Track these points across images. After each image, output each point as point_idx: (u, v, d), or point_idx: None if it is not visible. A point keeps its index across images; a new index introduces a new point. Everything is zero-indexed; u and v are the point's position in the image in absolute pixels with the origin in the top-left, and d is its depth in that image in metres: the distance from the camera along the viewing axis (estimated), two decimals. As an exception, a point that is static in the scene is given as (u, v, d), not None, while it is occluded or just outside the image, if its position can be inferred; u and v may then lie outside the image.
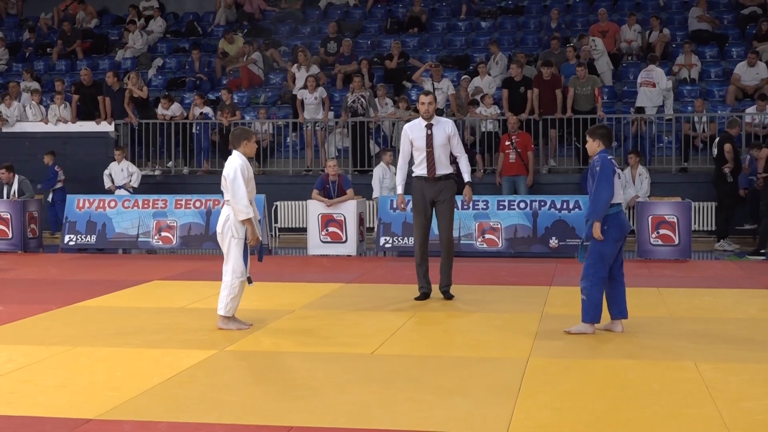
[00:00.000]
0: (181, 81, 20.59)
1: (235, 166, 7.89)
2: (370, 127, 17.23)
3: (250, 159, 8.20)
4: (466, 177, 9.52)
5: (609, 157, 7.66)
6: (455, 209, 9.68)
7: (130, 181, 16.03)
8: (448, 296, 9.56)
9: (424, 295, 9.56)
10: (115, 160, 16.17)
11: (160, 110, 17.88)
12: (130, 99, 17.85)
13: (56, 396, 5.88)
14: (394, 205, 13.20)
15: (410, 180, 9.61)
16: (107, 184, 15.98)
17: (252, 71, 20.19)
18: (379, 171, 15.22)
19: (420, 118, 9.50)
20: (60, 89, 18.58)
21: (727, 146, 14.30)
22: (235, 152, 8.06)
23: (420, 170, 9.45)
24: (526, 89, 16.68)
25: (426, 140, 9.35)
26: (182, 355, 6.98)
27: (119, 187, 15.93)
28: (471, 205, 13.65)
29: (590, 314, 7.58)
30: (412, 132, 9.45)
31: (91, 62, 21.36)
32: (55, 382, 6.24)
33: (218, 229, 8.05)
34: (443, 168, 9.40)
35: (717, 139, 14.96)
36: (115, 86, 17.93)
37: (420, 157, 9.42)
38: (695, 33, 19.63)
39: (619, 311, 7.75)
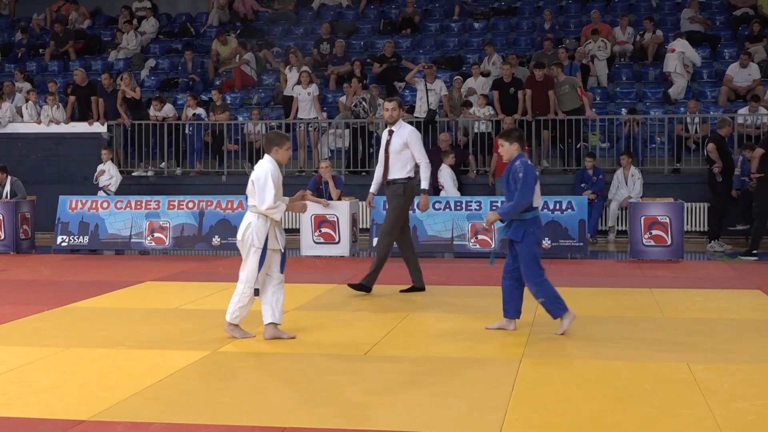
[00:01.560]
0: (174, 82, 20.57)
1: (267, 170, 7.47)
2: (371, 129, 17.21)
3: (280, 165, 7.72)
4: (424, 184, 9.87)
5: (529, 162, 7.83)
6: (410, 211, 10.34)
7: (110, 184, 16.04)
8: (410, 289, 10.05)
9: (411, 289, 10.11)
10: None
11: (152, 112, 17.86)
12: (123, 100, 17.84)
13: (49, 397, 5.87)
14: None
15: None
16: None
17: (245, 72, 20.18)
18: (445, 172, 15.49)
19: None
20: (53, 90, 18.54)
21: (710, 146, 14.27)
22: (266, 156, 7.64)
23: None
24: (516, 90, 16.70)
25: (385, 145, 9.92)
26: (175, 356, 6.97)
27: (100, 188, 15.95)
28: (464, 205, 13.73)
29: (557, 308, 7.69)
30: (382, 137, 10.11)
31: (83, 63, 21.32)
32: (48, 384, 6.22)
33: (239, 237, 7.65)
34: (395, 173, 9.83)
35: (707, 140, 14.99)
36: (109, 87, 17.91)
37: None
38: (688, 34, 19.65)
39: (515, 311, 7.87)
